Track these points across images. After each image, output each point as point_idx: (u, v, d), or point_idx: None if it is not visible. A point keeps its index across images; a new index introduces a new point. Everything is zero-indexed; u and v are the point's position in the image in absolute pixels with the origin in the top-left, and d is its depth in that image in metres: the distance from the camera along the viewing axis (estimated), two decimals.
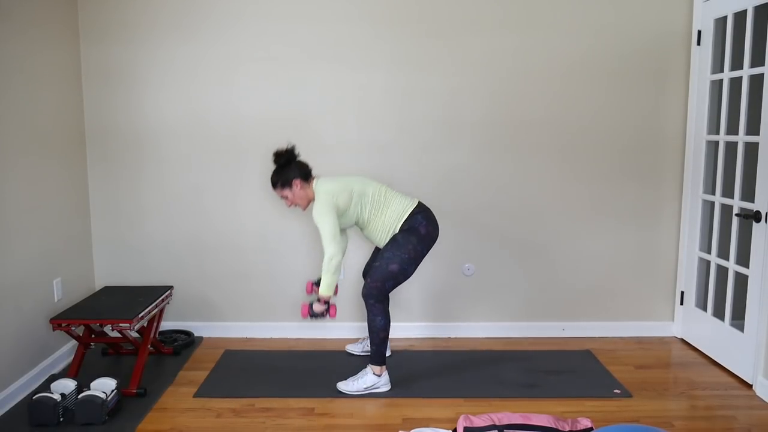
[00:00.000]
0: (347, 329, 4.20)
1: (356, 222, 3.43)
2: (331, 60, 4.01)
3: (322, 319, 3.31)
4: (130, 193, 4.13)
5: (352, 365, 3.70)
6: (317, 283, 3.51)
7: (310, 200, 3.41)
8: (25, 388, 3.36)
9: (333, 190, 3.30)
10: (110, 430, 2.94)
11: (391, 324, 4.17)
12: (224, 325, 4.23)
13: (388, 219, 3.35)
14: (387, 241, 3.37)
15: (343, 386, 3.37)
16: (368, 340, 3.62)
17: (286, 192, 3.37)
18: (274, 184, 3.38)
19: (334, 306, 3.37)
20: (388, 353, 3.81)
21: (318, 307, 3.33)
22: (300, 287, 4.20)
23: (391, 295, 4.18)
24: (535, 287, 4.22)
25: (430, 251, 3.64)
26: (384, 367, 3.38)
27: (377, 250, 3.65)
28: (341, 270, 3.21)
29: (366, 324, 3.92)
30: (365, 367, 3.46)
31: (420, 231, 3.32)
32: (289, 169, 3.35)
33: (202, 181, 4.12)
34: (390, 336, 4.18)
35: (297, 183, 3.34)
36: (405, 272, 3.32)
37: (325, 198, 3.28)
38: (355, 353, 3.89)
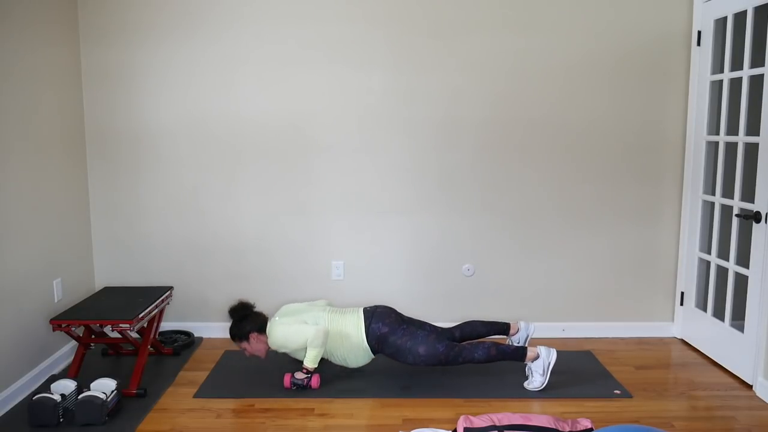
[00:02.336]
0: None
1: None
2: (331, 61, 4.01)
3: (304, 390, 3.35)
4: (130, 193, 4.13)
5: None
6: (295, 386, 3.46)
7: (268, 348, 3.52)
8: (25, 388, 3.36)
9: (287, 334, 3.36)
10: (110, 431, 2.94)
11: None
12: (224, 326, 4.23)
13: (351, 344, 3.41)
14: (361, 360, 3.46)
15: (530, 386, 3.37)
16: (512, 339, 3.67)
17: (244, 344, 3.51)
18: (233, 338, 3.52)
19: (317, 376, 3.40)
20: (529, 331, 3.73)
21: (300, 375, 3.37)
22: (300, 287, 4.20)
23: (390, 295, 4.19)
24: (535, 287, 4.22)
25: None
26: (529, 350, 3.35)
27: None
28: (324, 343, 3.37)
29: None
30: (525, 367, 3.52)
31: (384, 332, 3.40)
32: (245, 323, 3.49)
33: (201, 181, 4.12)
34: None
35: (253, 336, 3.48)
36: (424, 338, 3.36)
37: (278, 328, 3.38)
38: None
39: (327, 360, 3.55)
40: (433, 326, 3.58)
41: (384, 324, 3.42)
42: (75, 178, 3.95)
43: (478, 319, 3.91)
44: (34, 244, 3.47)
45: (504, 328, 3.69)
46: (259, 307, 4.22)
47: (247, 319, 3.50)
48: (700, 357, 3.89)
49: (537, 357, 3.35)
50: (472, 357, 3.33)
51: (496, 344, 3.36)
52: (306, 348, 3.36)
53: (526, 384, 3.39)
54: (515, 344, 3.60)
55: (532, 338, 4.16)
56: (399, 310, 4.20)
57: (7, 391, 3.20)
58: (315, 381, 3.38)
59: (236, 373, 3.62)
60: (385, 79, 4.03)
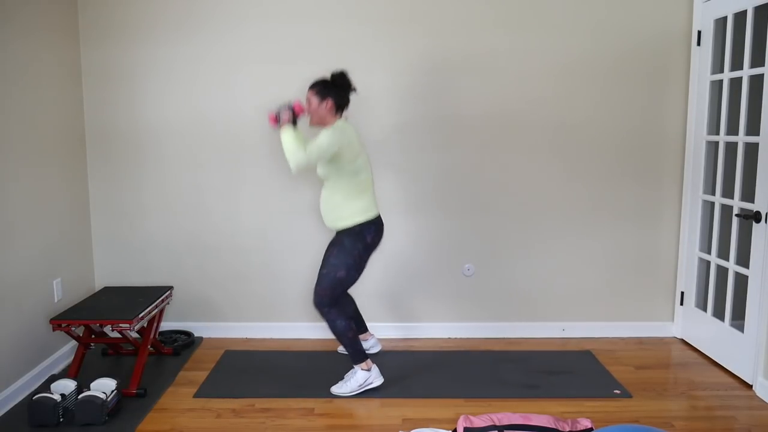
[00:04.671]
0: None
1: (326, 175, 3.33)
2: (331, 60, 4.01)
3: (291, 113, 3.25)
4: (130, 193, 4.13)
5: (351, 365, 3.70)
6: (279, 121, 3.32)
7: (322, 124, 3.35)
8: (25, 388, 3.36)
9: (351, 137, 3.26)
10: (110, 431, 2.94)
11: (392, 323, 4.19)
12: (224, 326, 4.23)
13: (350, 204, 3.31)
14: (332, 223, 3.36)
15: (337, 389, 3.36)
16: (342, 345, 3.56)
17: (315, 100, 3.30)
18: (313, 86, 3.32)
19: (277, 122, 3.27)
20: (376, 349, 3.85)
21: (285, 114, 3.25)
22: (300, 288, 4.20)
23: (390, 295, 4.19)
24: (535, 287, 4.22)
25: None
26: (369, 361, 3.38)
27: (327, 250, 3.52)
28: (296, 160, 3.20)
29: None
30: (352, 367, 3.47)
31: (366, 239, 3.34)
32: (335, 89, 3.30)
33: (202, 181, 4.12)
34: (391, 336, 4.19)
35: (329, 103, 3.30)
36: (352, 278, 3.35)
37: (343, 133, 3.23)
38: (345, 353, 3.89)
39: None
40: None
41: (371, 238, 3.34)
42: (75, 178, 3.95)
43: (357, 306, 3.85)
44: (34, 244, 3.47)
45: (362, 328, 3.83)
46: (261, 307, 4.22)
47: (341, 89, 3.31)
48: (700, 357, 3.89)
49: (368, 370, 3.37)
50: (334, 320, 3.32)
51: (356, 333, 3.37)
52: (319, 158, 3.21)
53: (336, 386, 3.38)
54: (366, 347, 3.76)
55: (532, 339, 4.16)
56: (399, 311, 4.20)
57: (7, 391, 3.20)
58: (273, 121, 3.26)
59: (236, 373, 3.63)
60: (385, 79, 4.03)
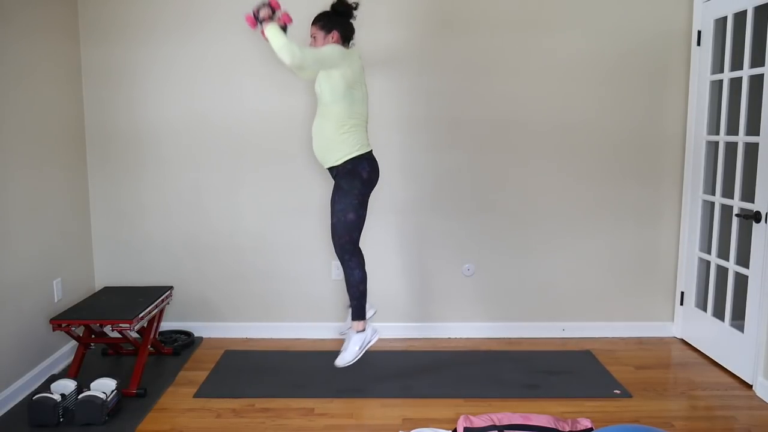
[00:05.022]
0: None
1: (322, 93, 3.26)
2: None
3: (269, 9, 3.06)
4: (130, 193, 4.13)
5: (352, 365, 3.70)
6: (258, 19, 3.13)
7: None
8: (25, 388, 3.36)
9: (356, 62, 3.23)
10: (110, 431, 2.94)
11: (392, 323, 4.19)
12: (224, 326, 4.23)
13: (343, 137, 3.25)
14: (324, 156, 3.30)
15: (340, 361, 3.33)
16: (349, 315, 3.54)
17: (320, 35, 3.27)
18: (316, 20, 3.28)
19: (256, 24, 3.10)
20: (370, 312, 3.72)
21: (264, 11, 3.07)
22: (300, 287, 4.20)
23: (390, 295, 4.19)
24: (535, 287, 4.22)
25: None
26: (365, 321, 3.37)
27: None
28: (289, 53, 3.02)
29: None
30: (348, 330, 3.44)
31: (362, 175, 3.29)
32: (340, 21, 3.28)
33: (202, 181, 4.12)
34: (391, 336, 4.19)
35: (335, 35, 3.28)
36: (361, 217, 3.31)
37: (349, 54, 3.21)
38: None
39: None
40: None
41: (366, 172, 3.29)
42: (75, 178, 3.95)
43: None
44: (34, 243, 3.47)
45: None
46: (260, 307, 4.22)
47: (344, 20, 3.29)
48: (700, 357, 3.89)
49: (363, 330, 3.36)
50: (355, 269, 3.30)
51: (366, 288, 3.36)
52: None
53: (338, 359, 3.34)
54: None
55: (532, 339, 4.17)
56: (399, 311, 4.21)
57: (7, 391, 3.20)
58: (251, 22, 3.10)
59: (236, 373, 3.63)
60: (385, 79, 4.03)
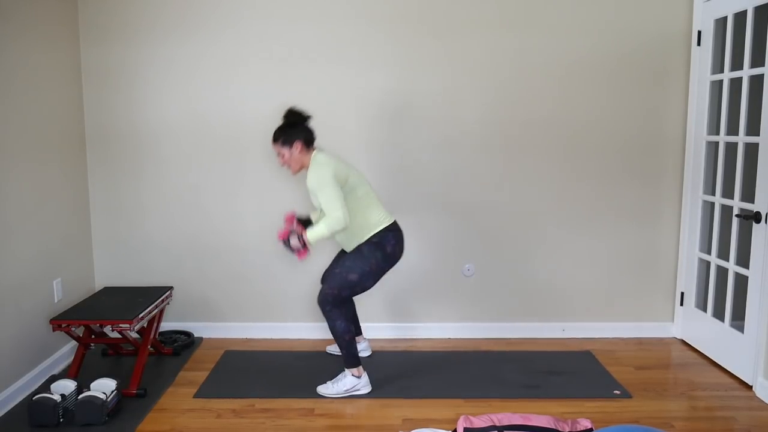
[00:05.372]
0: None
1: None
2: (331, 60, 4.01)
3: (291, 254, 3.21)
4: (130, 193, 4.13)
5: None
6: (302, 222, 3.38)
7: (303, 167, 3.34)
8: (25, 388, 3.36)
9: (332, 163, 3.25)
10: (110, 431, 2.94)
11: (392, 323, 4.19)
12: (224, 326, 4.23)
13: (362, 224, 3.30)
14: (351, 248, 3.36)
15: (323, 390, 3.35)
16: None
17: (285, 150, 3.29)
18: (276, 139, 3.30)
19: (308, 250, 3.26)
20: (367, 353, 3.83)
21: (295, 243, 3.22)
22: (300, 287, 4.20)
23: (390, 295, 4.19)
24: (535, 287, 4.22)
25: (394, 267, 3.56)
26: (361, 367, 3.36)
27: (339, 255, 3.62)
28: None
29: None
30: (343, 370, 3.45)
31: (386, 248, 3.31)
32: (296, 130, 3.28)
33: (202, 181, 4.12)
34: (391, 336, 4.19)
35: (298, 146, 3.28)
36: (363, 284, 3.31)
37: (326, 166, 3.21)
38: (334, 353, 3.89)
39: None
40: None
41: (391, 246, 3.31)
42: (75, 178, 3.95)
43: (354, 309, 3.80)
44: (34, 244, 3.47)
45: (357, 331, 3.82)
46: (261, 307, 4.22)
47: (299, 127, 3.30)
48: (700, 357, 3.89)
49: (359, 377, 3.34)
50: (336, 320, 3.28)
51: (353, 337, 3.34)
52: (324, 216, 3.22)
53: (323, 386, 3.36)
54: (359, 351, 3.73)
55: (532, 339, 4.16)
56: (399, 311, 4.20)
57: (7, 391, 3.20)
58: (303, 254, 3.25)
59: (236, 373, 3.63)
60: (385, 79, 4.03)
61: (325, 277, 3.61)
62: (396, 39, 4.00)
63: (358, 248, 3.32)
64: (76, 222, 3.95)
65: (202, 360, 3.84)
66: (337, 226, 3.15)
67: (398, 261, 3.39)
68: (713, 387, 3.46)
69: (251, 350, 3.99)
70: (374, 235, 3.30)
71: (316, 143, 3.48)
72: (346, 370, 3.37)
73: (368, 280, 3.31)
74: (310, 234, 3.19)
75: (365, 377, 3.38)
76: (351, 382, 3.34)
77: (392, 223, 3.37)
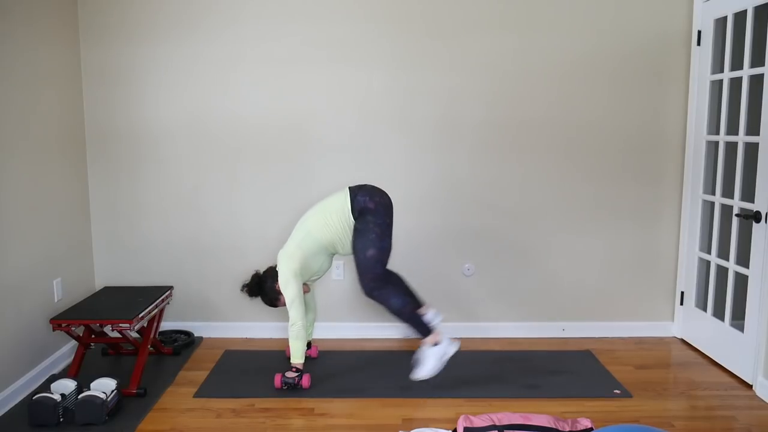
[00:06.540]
0: (347, 329, 4.21)
1: (329, 258, 3.49)
2: (331, 60, 4.01)
3: (295, 389, 3.34)
4: (130, 193, 4.13)
5: (352, 365, 3.71)
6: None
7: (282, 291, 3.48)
8: (25, 388, 3.36)
9: (286, 256, 3.39)
10: (110, 431, 2.94)
11: (390, 324, 4.19)
12: (224, 325, 4.23)
13: (339, 222, 3.36)
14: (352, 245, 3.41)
15: (418, 374, 3.34)
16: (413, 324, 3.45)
17: (282, 299, 3.51)
18: (271, 305, 3.56)
19: (308, 376, 3.38)
20: (438, 319, 3.64)
21: (290, 375, 3.34)
22: None
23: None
24: (535, 287, 4.22)
25: (392, 222, 3.51)
26: (435, 332, 3.32)
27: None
28: (310, 334, 3.44)
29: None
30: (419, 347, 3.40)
31: (369, 207, 3.32)
32: (266, 288, 3.51)
33: (201, 181, 4.12)
34: (391, 336, 4.19)
35: (276, 287, 3.49)
36: (383, 249, 3.30)
37: (283, 268, 3.39)
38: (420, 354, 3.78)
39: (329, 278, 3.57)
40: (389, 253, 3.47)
41: (371, 200, 3.33)
42: (75, 178, 3.95)
43: (406, 282, 3.83)
44: (34, 243, 3.47)
45: (418, 303, 3.68)
46: (260, 307, 4.22)
47: (264, 282, 3.50)
48: (700, 357, 3.89)
49: (437, 344, 3.32)
50: (388, 300, 3.29)
51: (413, 307, 3.33)
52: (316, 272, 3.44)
53: (414, 373, 3.35)
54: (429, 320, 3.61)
55: (532, 339, 4.16)
56: None
57: (7, 391, 3.20)
58: (305, 380, 3.36)
59: (236, 373, 3.62)
60: (385, 79, 4.03)
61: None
62: (397, 39, 4.00)
63: (354, 230, 3.34)
64: (76, 222, 3.95)
65: (202, 360, 3.84)
66: (294, 330, 3.33)
67: (390, 206, 3.39)
68: (713, 386, 3.46)
69: (251, 350, 3.99)
70: (352, 212, 3.34)
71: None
72: (424, 345, 3.33)
73: (383, 242, 3.30)
74: (293, 358, 3.35)
75: (446, 339, 3.34)
76: (435, 352, 3.31)
77: (350, 190, 3.38)
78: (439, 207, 4.13)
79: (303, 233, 3.42)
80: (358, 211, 3.33)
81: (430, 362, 3.32)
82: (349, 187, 3.43)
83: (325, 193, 4.11)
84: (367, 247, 3.27)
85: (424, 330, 3.32)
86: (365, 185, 3.44)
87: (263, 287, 3.53)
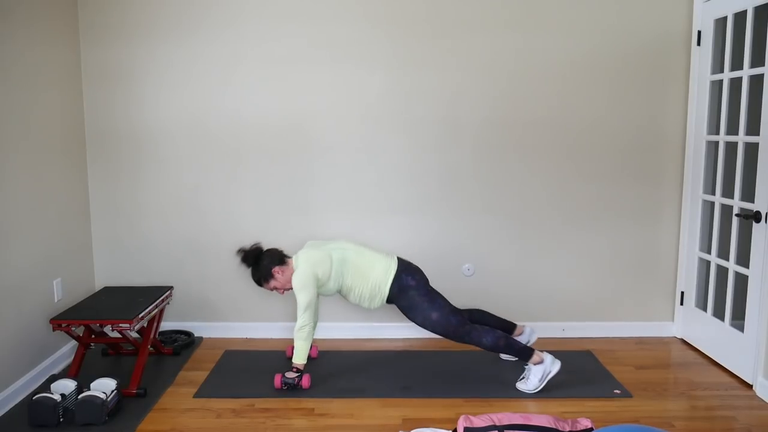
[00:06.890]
0: (347, 329, 4.21)
1: (339, 290, 3.50)
2: (332, 60, 4.01)
3: (295, 390, 3.34)
4: (130, 193, 4.13)
5: (352, 365, 3.71)
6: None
7: (290, 280, 3.48)
8: (25, 388, 3.36)
9: (313, 259, 3.39)
10: (110, 431, 2.94)
11: (391, 324, 4.20)
12: (224, 326, 4.23)
13: (374, 283, 3.42)
14: (377, 305, 3.48)
15: (522, 386, 3.37)
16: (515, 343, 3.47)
17: (272, 283, 3.49)
18: (259, 282, 3.50)
19: (308, 376, 3.38)
20: (534, 337, 3.75)
21: (290, 375, 3.35)
22: None
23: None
24: (535, 287, 4.22)
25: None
26: (536, 353, 3.36)
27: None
28: (311, 337, 3.40)
29: None
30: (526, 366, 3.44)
31: (411, 284, 3.42)
32: (263, 263, 3.46)
33: (202, 181, 4.12)
34: (391, 336, 4.19)
35: (277, 271, 3.46)
36: (441, 306, 3.39)
37: (305, 268, 3.37)
38: (510, 359, 3.79)
39: (345, 298, 3.58)
40: (449, 302, 3.54)
41: (413, 278, 3.43)
42: (75, 178, 3.95)
43: (488, 311, 3.91)
44: (34, 244, 3.47)
45: (510, 327, 3.72)
46: (261, 307, 4.22)
47: (261, 258, 3.48)
48: (700, 357, 3.89)
49: (541, 362, 3.35)
50: (480, 340, 3.35)
51: (507, 336, 3.37)
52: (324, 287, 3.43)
53: (519, 383, 3.39)
54: (524, 340, 3.70)
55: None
56: (398, 310, 4.19)
57: (7, 391, 3.20)
58: (305, 380, 3.37)
59: (236, 373, 3.63)
60: (386, 79, 4.03)
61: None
62: (398, 39, 3.99)
63: (401, 306, 3.44)
64: (76, 222, 3.95)
65: (202, 360, 3.84)
66: (303, 333, 3.34)
67: (426, 277, 3.53)
68: (713, 386, 3.46)
69: (251, 350, 3.99)
70: (391, 286, 3.42)
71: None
72: (528, 364, 3.37)
73: (436, 302, 3.40)
74: (296, 358, 3.36)
75: (547, 356, 3.37)
76: (538, 371, 3.34)
77: (397, 267, 3.45)
78: (440, 207, 4.13)
79: (341, 259, 3.43)
80: (397, 289, 3.41)
81: (533, 380, 3.35)
82: (398, 260, 3.50)
83: (326, 192, 4.10)
84: (427, 316, 3.38)
85: (525, 354, 3.36)
86: (411, 264, 3.53)
87: (259, 262, 3.48)
